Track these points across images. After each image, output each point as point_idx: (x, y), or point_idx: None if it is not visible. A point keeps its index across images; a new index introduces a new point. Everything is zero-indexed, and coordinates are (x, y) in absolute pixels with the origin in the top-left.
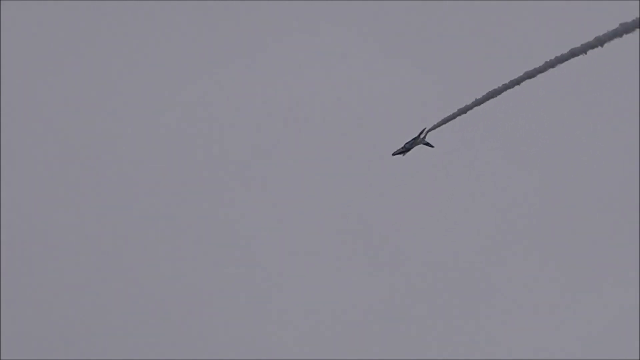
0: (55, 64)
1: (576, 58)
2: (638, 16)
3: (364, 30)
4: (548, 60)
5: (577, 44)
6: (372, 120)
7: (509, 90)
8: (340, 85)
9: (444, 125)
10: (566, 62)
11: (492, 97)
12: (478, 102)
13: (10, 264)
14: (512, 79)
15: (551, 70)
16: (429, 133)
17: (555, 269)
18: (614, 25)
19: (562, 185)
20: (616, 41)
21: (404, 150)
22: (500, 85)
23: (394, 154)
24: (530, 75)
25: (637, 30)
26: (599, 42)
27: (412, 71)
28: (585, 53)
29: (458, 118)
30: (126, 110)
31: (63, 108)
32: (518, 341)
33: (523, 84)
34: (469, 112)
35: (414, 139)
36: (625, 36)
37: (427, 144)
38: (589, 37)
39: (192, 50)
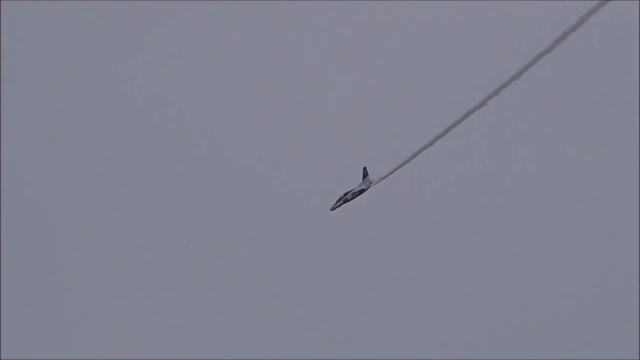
0: (55, 64)
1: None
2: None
3: None
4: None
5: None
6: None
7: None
8: None
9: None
10: None
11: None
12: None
13: (10, 264)
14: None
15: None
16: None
17: None
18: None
19: None
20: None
21: (345, 200)
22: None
23: (333, 209)
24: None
25: None
26: None
27: None
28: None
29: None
30: (128, 108)
31: (62, 107)
32: None
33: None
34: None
35: (360, 184)
36: None
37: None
38: None
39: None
